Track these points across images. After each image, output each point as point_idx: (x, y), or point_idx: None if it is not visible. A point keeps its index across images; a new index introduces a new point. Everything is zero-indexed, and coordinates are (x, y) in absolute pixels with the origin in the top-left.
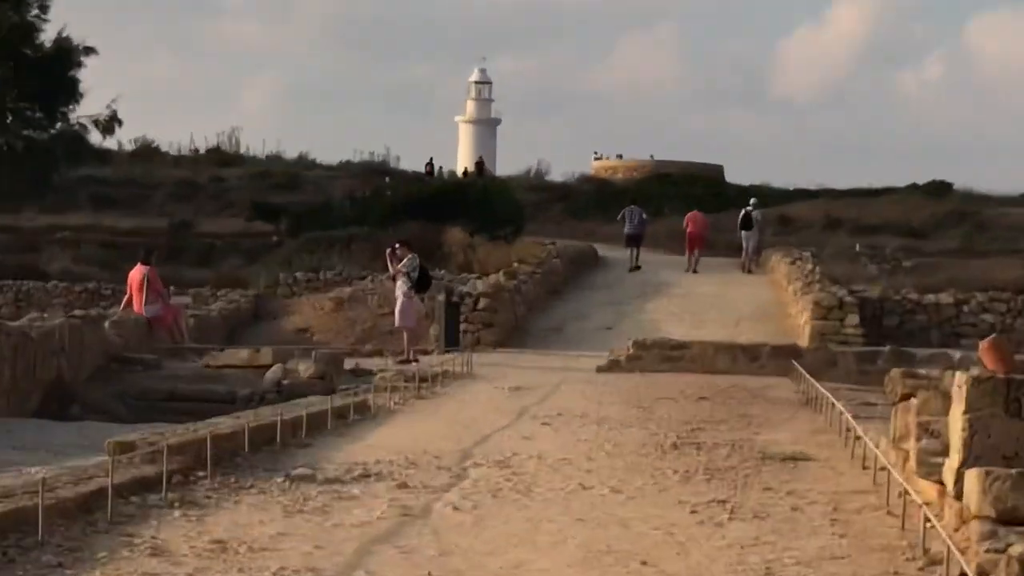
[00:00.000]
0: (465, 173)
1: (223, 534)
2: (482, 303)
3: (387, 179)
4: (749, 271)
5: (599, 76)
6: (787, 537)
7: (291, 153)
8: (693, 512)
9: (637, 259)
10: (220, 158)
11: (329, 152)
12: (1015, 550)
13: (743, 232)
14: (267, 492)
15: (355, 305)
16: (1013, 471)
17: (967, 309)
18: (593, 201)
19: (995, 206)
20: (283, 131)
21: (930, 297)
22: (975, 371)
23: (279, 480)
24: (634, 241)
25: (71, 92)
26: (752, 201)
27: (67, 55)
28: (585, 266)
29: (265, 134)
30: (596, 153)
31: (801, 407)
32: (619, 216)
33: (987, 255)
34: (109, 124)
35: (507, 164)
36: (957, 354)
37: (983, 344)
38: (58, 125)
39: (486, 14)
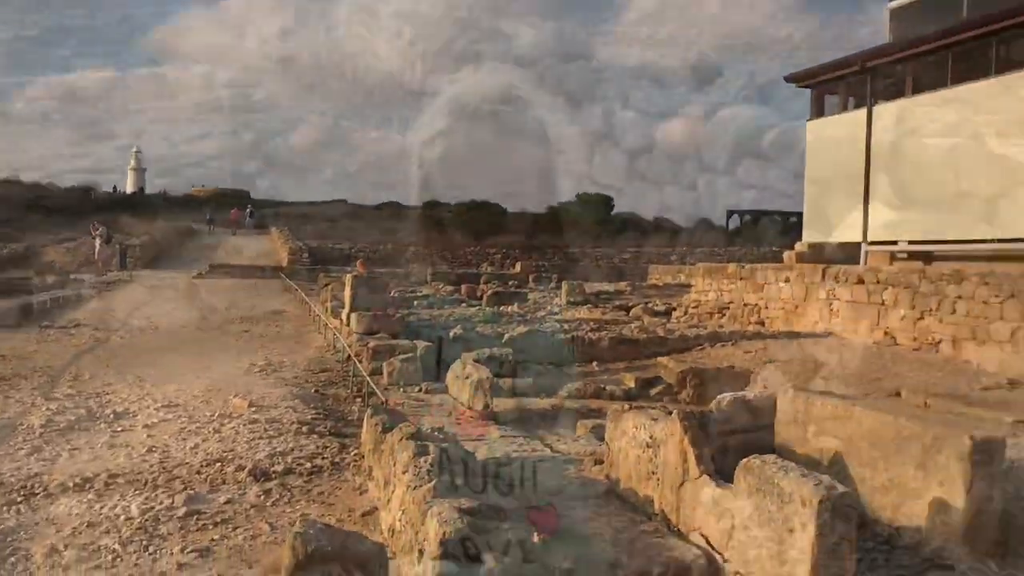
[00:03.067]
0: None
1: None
2: (138, 249)
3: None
4: (259, 235)
5: None
6: (277, 345)
7: None
8: (236, 337)
9: (211, 231)
10: None
11: None
12: (371, 344)
13: (249, 220)
14: (32, 332)
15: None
16: (368, 313)
17: (355, 251)
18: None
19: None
20: None
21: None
22: (354, 272)
23: (37, 328)
24: (211, 223)
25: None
26: (248, 207)
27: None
28: (193, 234)
29: None
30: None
31: (284, 292)
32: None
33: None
34: None
35: None
36: (348, 268)
37: (358, 262)
38: None
39: None
